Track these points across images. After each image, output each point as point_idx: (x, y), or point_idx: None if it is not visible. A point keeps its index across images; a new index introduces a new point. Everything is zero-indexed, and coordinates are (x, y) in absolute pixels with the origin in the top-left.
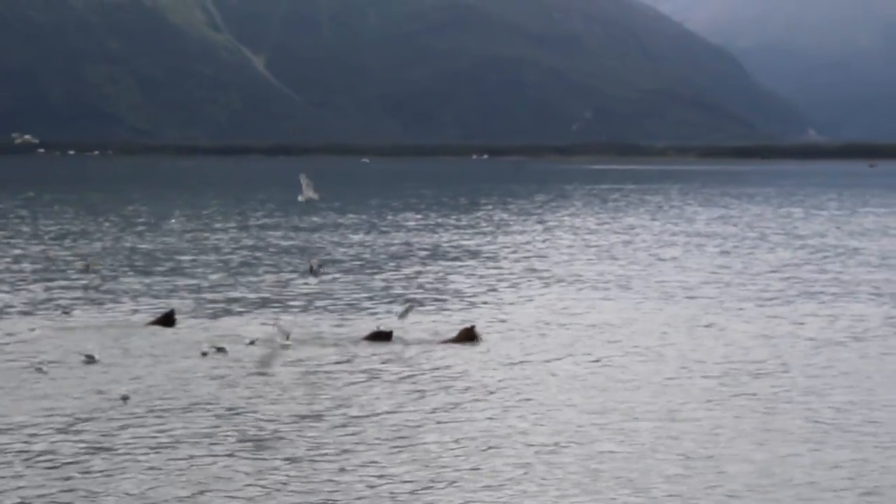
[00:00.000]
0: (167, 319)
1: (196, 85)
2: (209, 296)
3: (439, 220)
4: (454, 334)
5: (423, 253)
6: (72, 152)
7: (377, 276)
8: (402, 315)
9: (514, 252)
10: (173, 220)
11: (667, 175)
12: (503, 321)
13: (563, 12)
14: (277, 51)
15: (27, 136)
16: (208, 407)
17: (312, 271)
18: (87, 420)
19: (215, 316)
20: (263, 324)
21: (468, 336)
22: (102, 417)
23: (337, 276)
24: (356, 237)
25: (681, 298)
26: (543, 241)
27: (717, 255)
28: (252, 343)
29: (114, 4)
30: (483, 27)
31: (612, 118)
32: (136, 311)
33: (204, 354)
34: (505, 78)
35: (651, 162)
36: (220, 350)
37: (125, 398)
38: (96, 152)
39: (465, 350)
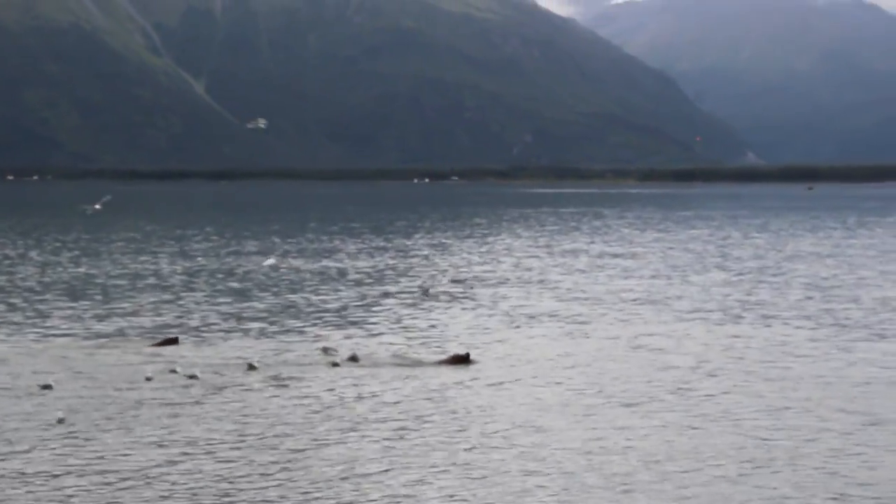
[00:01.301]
0: (170, 342)
1: (135, 109)
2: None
3: (378, 244)
4: (444, 357)
5: (357, 276)
6: (10, 177)
7: (312, 301)
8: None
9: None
10: (114, 245)
11: (606, 198)
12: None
13: (503, 36)
14: (217, 75)
15: None
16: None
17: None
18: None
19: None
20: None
21: (460, 360)
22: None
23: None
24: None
25: (615, 321)
26: (483, 263)
27: (656, 278)
28: (253, 367)
29: (52, 28)
30: (423, 51)
31: (552, 141)
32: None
33: (148, 379)
34: (445, 102)
35: (590, 185)
36: (192, 377)
37: (61, 420)
38: (35, 177)
39: (459, 372)
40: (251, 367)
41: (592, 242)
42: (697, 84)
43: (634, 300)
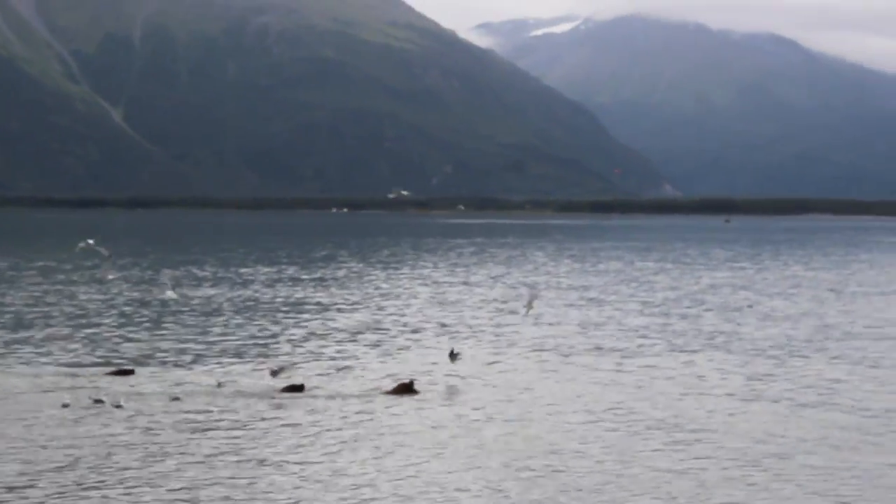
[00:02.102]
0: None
1: (52, 137)
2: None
3: (291, 274)
4: (391, 387)
5: (269, 306)
6: None
7: (252, 332)
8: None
9: (370, 305)
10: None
11: (524, 229)
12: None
13: (423, 67)
14: (135, 103)
15: None
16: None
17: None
18: None
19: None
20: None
21: (406, 389)
22: None
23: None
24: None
25: (529, 351)
26: (400, 294)
27: (574, 308)
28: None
29: None
30: (343, 81)
31: (472, 172)
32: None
33: (65, 406)
34: (364, 132)
35: (509, 216)
36: (118, 406)
37: None
38: None
39: (404, 401)
40: (175, 399)
41: (509, 272)
42: (615, 115)
43: (554, 334)
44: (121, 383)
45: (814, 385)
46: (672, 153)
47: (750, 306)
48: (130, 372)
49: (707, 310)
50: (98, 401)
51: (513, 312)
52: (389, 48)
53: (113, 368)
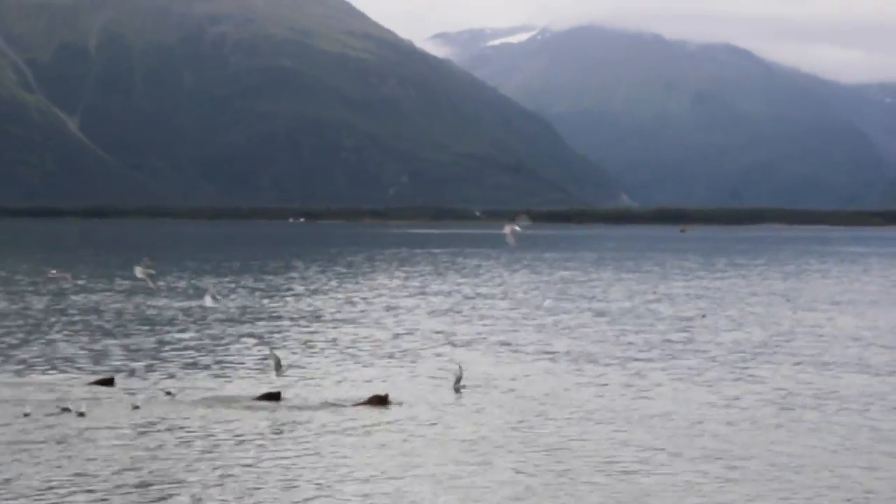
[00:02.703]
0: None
1: (7, 146)
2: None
3: (249, 283)
4: (363, 399)
5: (222, 316)
6: None
7: (224, 341)
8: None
9: (334, 315)
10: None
11: (482, 239)
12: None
13: (380, 77)
14: (91, 112)
15: None
16: None
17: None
18: None
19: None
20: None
21: (379, 401)
22: None
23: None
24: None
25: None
26: (356, 304)
27: (529, 319)
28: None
29: None
30: (299, 91)
31: (429, 182)
32: None
33: (26, 415)
34: (321, 142)
35: (466, 226)
36: (81, 414)
37: None
38: None
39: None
40: (135, 408)
41: (464, 283)
42: (572, 125)
43: (513, 340)
44: (97, 392)
45: (766, 391)
46: (629, 163)
47: (703, 316)
48: (110, 381)
49: (660, 319)
50: (66, 409)
51: (467, 321)
52: (346, 58)
53: (94, 378)
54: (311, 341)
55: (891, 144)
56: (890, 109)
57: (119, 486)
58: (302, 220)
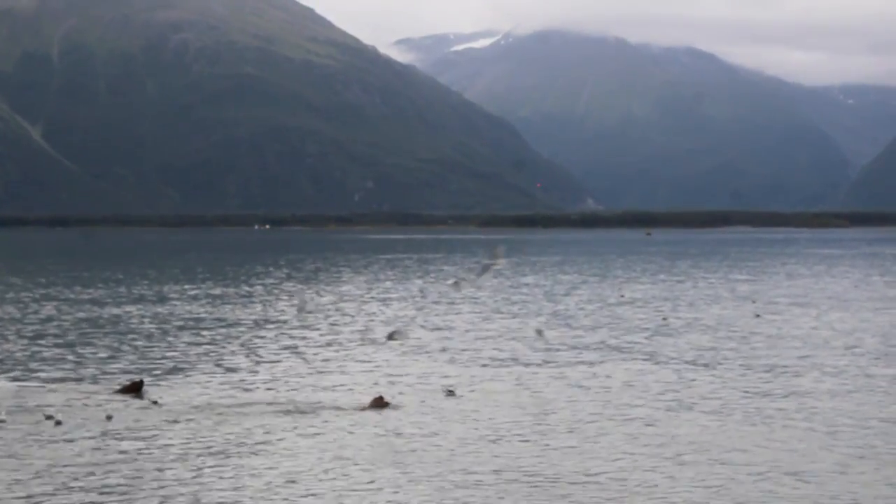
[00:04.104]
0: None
1: None
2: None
3: (213, 292)
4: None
5: (182, 323)
6: None
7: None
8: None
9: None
10: None
11: (447, 244)
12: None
13: (344, 83)
14: (54, 121)
15: None
16: None
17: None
18: None
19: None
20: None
21: (378, 404)
22: None
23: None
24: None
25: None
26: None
27: (494, 322)
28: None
29: None
30: (263, 98)
31: (394, 188)
32: None
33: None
34: (286, 148)
35: (432, 231)
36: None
37: None
38: None
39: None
40: (108, 418)
41: (431, 288)
42: (537, 129)
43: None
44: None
45: (731, 392)
46: (594, 167)
47: (664, 319)
48: (139, 387)
49: (624, 321)
50: (49, 417)
51: (437, 328)
52: (310, 64)
53: (120, 385)
54: (294, 346)
55: (854, 146)
56: (853, 111)
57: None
58: (267, 227)
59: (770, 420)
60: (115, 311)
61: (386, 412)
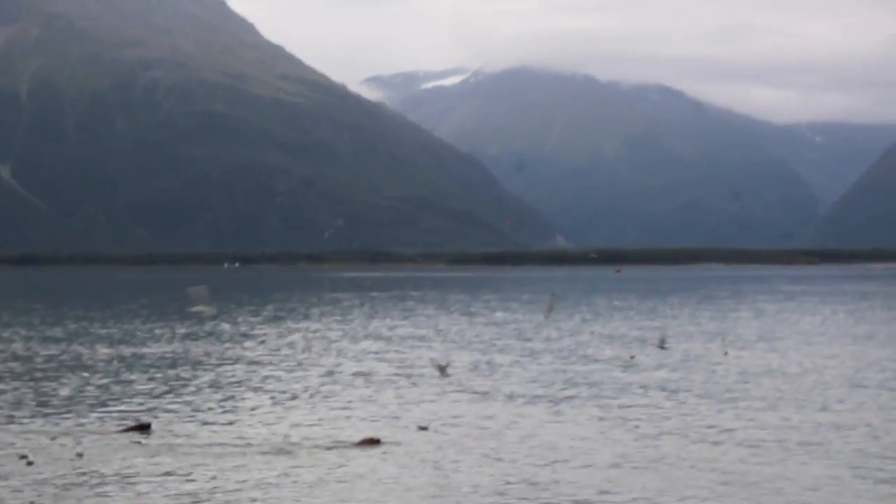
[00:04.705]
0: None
1: None
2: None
3: (179, 332)
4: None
5: (154, 362)
6: None
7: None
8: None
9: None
10: None
11: (416, 282)
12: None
13: (314, 121)
14: (23, 159)
15: None
16: None
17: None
18: None
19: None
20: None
21: (371, 442)
22: None
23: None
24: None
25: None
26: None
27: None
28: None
29: None
30: (233, 135)
31: (364, 226)
32: None
33: None
34: (256, 186)
35: (402, 269)
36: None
37: None
38: None
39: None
40: (78, 455)
41: (400, 324)
42: (507, 167)
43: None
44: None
45: (699, 429)
46: (563, 204)
47: (632, 357)
48: (147, 427)
49: (592, 359)
50: (23, 457)
51: (410, 364)
52: (280, 102)
53: (126, 425)
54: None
55: (823, 183)
56: (821, 148)
57: None
58: (237, 264)
59: (736, 461)
60: (83, 349)
61: (371, 449)
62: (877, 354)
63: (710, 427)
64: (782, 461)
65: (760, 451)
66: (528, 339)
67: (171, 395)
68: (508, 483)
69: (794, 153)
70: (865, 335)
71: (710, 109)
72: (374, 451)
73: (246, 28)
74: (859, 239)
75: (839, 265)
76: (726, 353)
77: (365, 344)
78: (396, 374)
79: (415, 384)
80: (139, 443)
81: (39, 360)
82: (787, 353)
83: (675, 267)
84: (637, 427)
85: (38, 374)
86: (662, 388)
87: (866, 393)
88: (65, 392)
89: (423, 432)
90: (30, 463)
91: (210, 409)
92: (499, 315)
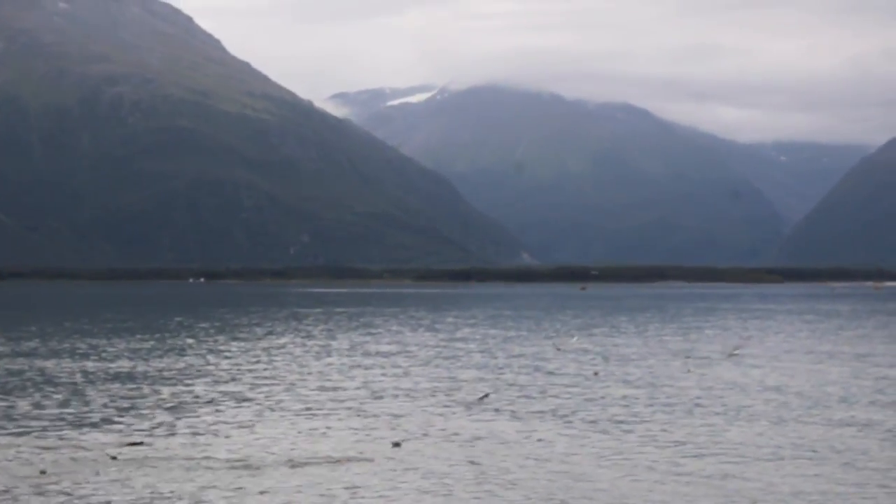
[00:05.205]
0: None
1: None
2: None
3: (142, 346)
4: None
5: (118, 375)
6: None
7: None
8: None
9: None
10: None
11: (382, 298)
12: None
13: (280, 137)
14: None
15: None
16: None
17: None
18: None
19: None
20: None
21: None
22: None
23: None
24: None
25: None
26: (263, 365)
27: (426, 378)
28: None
29: None
30: (199, 151)
31: (329, 242)
32: None
33: None
34: (221, 202)
35: (367, 285)
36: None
37: None
38: None
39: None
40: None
41: (363, 341)
42: (472, 184)
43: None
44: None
45: (662, 446)
46: (529, 221)
47: (596, 373)
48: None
49: (557, 376)
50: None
51: (368, 382)
52: (246, 118)
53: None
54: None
55: (787, 202)
56: (785, 167)
57: None
58: (202, 280)
59: (688, 474)
60: (46, 364)
61: (342, 466)
62: (839, 371)
63: (668, 445)
64: (766, 470)
65: (740, 462)
66: (490, 356)
67: (133, 411)
68: (487, 492)
69: (758, 172)
70: (828, 353)
71: (676, 128)
72: (347, 468)
73: (212, 44)
74: (823, 258)
75: (803, 284)
76: (689, 371)
77: (330, 360)
78: (365, 390)
79: (386, 400)
80: (114, 458)
81: (1, 375)
82: (749, 370)
83: (640, 284)
84: (606, 432)
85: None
86: (619, 407)
87: (827, 409)
88: (26, 407)
89: (397, 448)
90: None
91: (173, 424)
92: (464, 331)
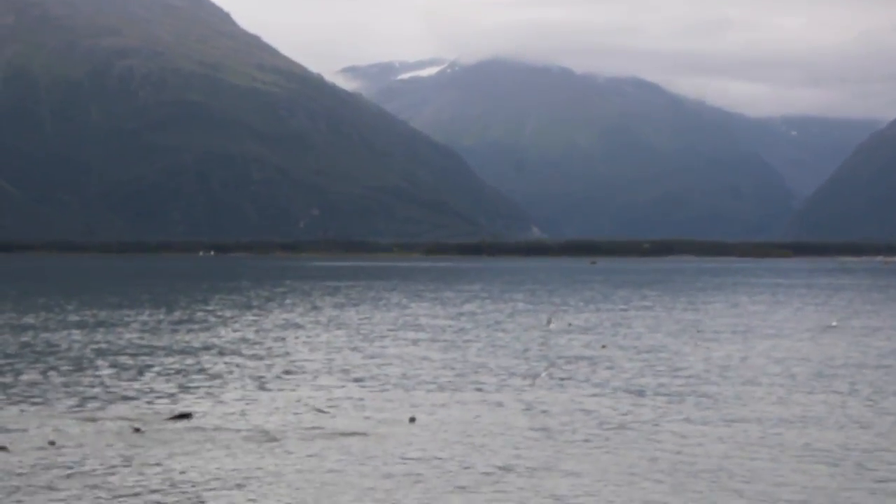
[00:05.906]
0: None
1: None
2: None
3: (161, 318)
4: None
5: (128, 351)
6: None
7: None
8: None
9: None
10: None
11: (392, 271)
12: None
13: (289, 110)
14: None
15: None
16: None
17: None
18: None
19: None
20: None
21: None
22: None
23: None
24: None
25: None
26: (275, 337)
27: (422, 347)
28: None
29: None
30: (209, 124)
31: (339, 215)
32: None
33: None
34: (231, 175)
35: (377, 259)
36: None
37: None
38: None
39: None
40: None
41: (373, 315)
42: (482, 158)
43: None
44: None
45: (670, 421)
46: (538, 195)
47: (603, 346)
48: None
49: (564, 348)
50: (2, 448)
51: (372, 356)
52: (256, 91)
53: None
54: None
55: (796, 176)
56: (795, 142)
57: None
58: (212, 253)
59: (698, 445)
60: (55, 336)
61: (351, 439)
62: (845, 347)
63: (673, 419)
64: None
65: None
66: (498, 330)
67: (144, 381)
68: (498, 468)
69: (767, 147)
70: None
71: (685, 103)
72: (364, 441)
73: (222, 17)
74: (833, 232)
75: (812, 258)
76: (697, 345)
77: (337, 333)
78: (379, 365)
79: (403, 375)
80: (138, 430)
81: (12, 347)
82: (757, 345)
83: (649, 258)
84: (601, 419)
85: (9, 362)
86: (625, 380)
87: (831, 385)
88: (35, 377)
89: (413, 424)
90: (2, 448)
91: (186, 395)
92: (467, 306)
